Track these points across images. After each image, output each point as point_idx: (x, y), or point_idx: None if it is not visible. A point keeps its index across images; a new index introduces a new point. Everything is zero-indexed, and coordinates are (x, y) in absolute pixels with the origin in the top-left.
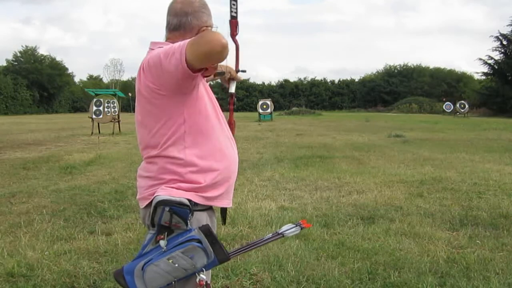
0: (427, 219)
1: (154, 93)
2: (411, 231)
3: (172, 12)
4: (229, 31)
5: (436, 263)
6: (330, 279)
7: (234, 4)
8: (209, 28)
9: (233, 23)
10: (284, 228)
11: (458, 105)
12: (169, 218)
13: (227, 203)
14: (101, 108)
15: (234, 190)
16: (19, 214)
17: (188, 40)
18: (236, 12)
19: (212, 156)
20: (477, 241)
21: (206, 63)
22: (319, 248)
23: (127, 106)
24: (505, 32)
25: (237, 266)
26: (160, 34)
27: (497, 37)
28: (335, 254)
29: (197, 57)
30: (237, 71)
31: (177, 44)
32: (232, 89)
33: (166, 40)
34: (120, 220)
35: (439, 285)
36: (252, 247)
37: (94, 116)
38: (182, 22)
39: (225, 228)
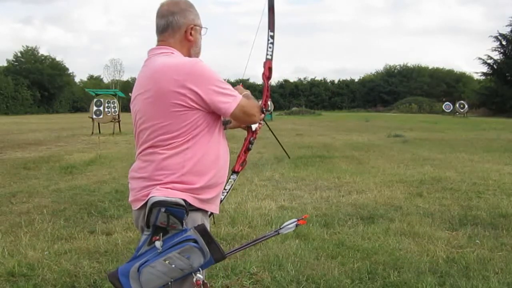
0: (427, 219)
1: (189, 100)
2: (410, 231)
3: (159, 14)
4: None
5: (436, 263)
6: (330, 278)
7: (270, 47)
8: (197, 27)
9: (267, 64)
10: (285, 224)
11: (457, 105)
12: (166, 219)
13: (214, 208)
14: (101, 108)
15: (234, 189)
16: (19, 213)
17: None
18: (271, 55)
19: (209, 158)
20: (477, 241)
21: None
22: (319, 248)
23: (127, 106)
24: (504, 32)
25: (237, 265)
26: None
27: (496, 37)
28: (335, 254)
29: (238, 119)
30: (265, 110)
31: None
32: (254, 126)
33: (158, 44)
34: (120, 220)
35: (439, 284)
36: (249, 245)
37: (94, 116)
38: (169, 21)
39: (225, 228)
